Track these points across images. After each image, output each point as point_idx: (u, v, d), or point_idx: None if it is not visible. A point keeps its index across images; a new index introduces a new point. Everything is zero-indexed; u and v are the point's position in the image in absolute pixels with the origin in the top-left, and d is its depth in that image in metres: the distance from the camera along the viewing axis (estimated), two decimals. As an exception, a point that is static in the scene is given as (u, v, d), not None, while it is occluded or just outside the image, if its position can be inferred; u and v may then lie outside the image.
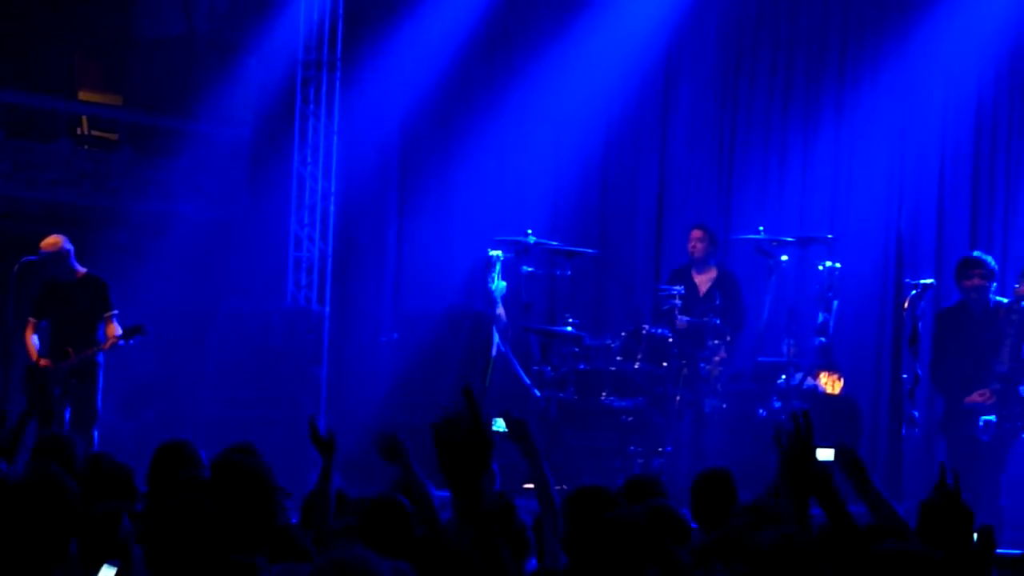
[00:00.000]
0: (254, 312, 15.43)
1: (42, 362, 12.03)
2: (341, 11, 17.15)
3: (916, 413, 11.96)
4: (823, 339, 13.07)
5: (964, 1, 14.62)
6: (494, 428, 13.16)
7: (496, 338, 14.33)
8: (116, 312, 12.20)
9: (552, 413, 13.26)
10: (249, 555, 5.40)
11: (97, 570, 5.59)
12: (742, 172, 15.70)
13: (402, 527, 6.30)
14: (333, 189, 17.22)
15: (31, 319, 12.24)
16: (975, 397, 11.33)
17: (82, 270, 12.28)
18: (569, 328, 13.62)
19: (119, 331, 12.07)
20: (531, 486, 6.67)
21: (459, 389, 13.53)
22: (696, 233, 13.76)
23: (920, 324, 11.78)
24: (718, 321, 13.00)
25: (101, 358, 12.17)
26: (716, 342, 12.93)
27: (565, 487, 10.71)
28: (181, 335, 17.16)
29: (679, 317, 13.15)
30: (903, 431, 12.04)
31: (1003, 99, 14.57)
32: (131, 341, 12.09)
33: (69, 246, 12.25)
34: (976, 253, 12.44)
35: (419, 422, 13.97)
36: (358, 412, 16.97)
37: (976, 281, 11.11)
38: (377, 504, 6.42)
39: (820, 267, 13.14)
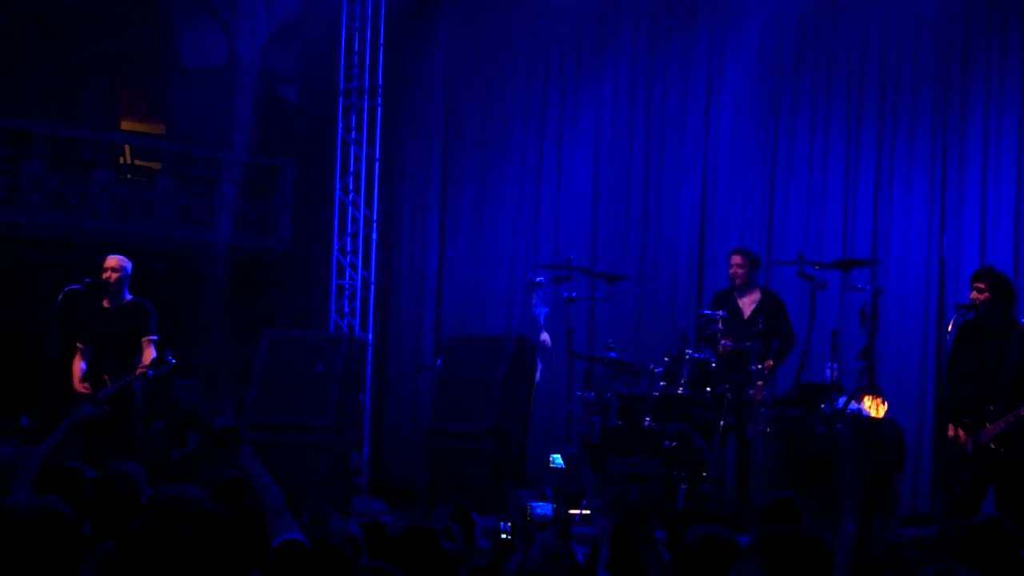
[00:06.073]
0: (298, 339, 15.48)
1: (81, 387, 12.02)
2: (382, 39, 17.26)
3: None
4: (866, 362, 13.00)
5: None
6: (552, 464, 13.23)
7: (539, 364, 14.35)
8: (155, 338, 12.14)
9: (595, 439, 13.23)
10: None
11: None
12: (784, 194, 15.69)
13: (432, 556, 6.35)
14: (375, 216, 17.29)
15: (79, 345, 12.25)
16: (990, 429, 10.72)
17: (129, 297, 12.31)
18: (612, 353, 13.62)
19: (153, 358, 12.05)
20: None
21: (502, 416, 13.61)
22: (736, 259, 13.65)
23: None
24: (760, 346, 12.95)
25: (138, 386, 12.11)
26: (759, 367, 12.87)
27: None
28: (225, 362, 17.26)
29: (722, 342, 13.11)
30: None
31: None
32: (161, 370, 11.97)
33: (129, 271, 12.30)
34: (985, 266, 12.27)
35: (461, 448, 14.11)
36: (401, 438, 17.03)
37: (973, 295, 10.87)
38: (411, 533, 6.47)
39: (863, 290, 13.08)
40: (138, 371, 11.94)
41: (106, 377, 12.00)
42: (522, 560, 6.83)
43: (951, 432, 10.70)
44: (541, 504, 11.11)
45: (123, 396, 11.99)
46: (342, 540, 6.61)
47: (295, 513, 6.48)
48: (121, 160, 18.50)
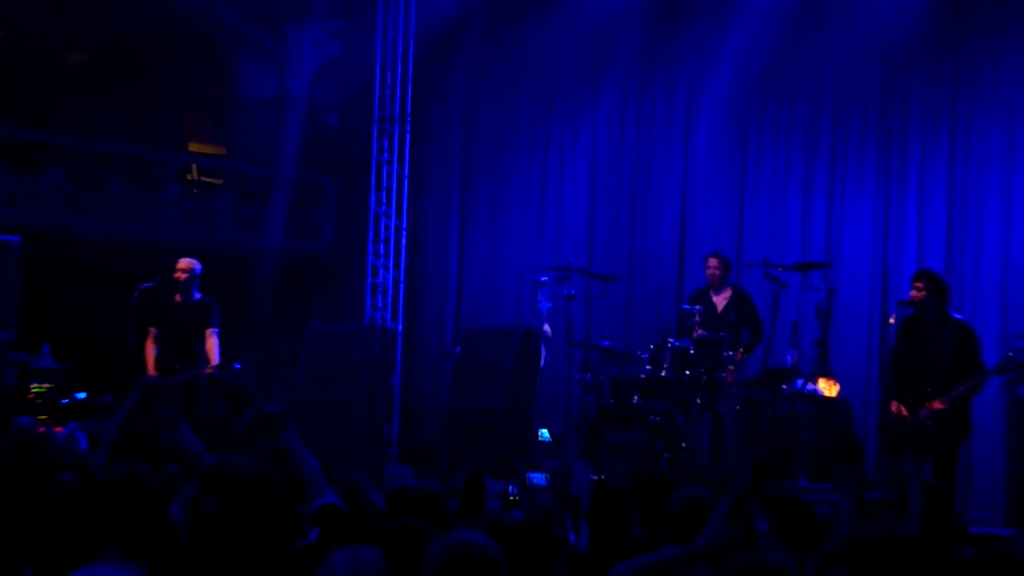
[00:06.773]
0: (338, 330, 15.58)
1: (155, 372, 12.06)
2: (411, 74, 17.35)
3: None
4: (821, 350, 13.08)
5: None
6: (540, 437, 13.29)
7: (543, 351, 14.42)
8: (217, 329, 12.19)
9: (591, 415, 13.31)
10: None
11: None
12: (752, 206, 15.77)
13: (439, 515, 6.51)
14: (404, 226, 17.39)
15: (151, 329, 12.36)
16: (935, 405, 10.79)
17: (198, 296, 12.39)
18: (606, 342, 13.70)
19: (216, 350, 12.01)
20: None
21: (512, 396, 13.58)
22: (712, 261, 13.73)
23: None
24: (732, 336, 13.02)
25: (204, 378, 12.09)
26: (730, 353, 12.94)
27: (603, 477, 10.87)
28: (276, 349, 17.34)
29: (699, 332, 13.18)
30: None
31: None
32: (226, 373, 11.95)
33: (199, 272, 12.37)
34: (923, 268, 12.34)
35: (477, 424, 14.20)
36: (426, 414, 17.12)
37: (913, 292, 10.94)
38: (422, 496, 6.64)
39: (819, 289, 13.16)
40: (207, 370, 11.93)
41: (177, 365, 12.09)
42: (525, 516, 6.95)
43: (894, 408, 10.81)
44: (536, 474, 11.27)
45: (192, 383, 12.11)
46: (370, 502, 6.72)
47: (329, 481, 6.62)
48: (189, 177, 18.58)
